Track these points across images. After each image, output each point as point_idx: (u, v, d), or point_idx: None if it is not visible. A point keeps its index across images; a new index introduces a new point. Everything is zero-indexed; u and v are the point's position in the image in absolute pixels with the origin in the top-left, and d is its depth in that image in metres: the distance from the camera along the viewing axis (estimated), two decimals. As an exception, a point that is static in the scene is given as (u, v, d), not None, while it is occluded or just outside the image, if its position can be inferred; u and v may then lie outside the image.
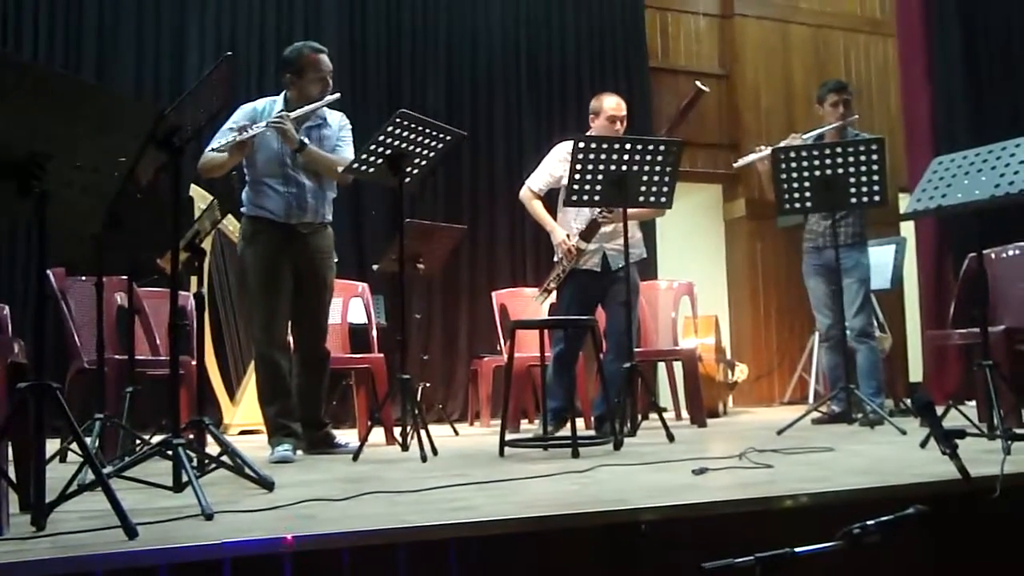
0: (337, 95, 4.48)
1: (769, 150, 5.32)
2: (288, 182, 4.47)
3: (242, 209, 4.58)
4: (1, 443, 2.30)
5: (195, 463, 3.00)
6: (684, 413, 6.84)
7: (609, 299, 5.30)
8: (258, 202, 4.50)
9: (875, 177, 4.93)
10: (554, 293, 5.50)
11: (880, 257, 6.67)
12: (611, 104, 5.42)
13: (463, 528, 2.11)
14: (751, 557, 1.97)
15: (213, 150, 4.35)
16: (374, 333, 5.85)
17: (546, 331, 4.83)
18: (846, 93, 5.88)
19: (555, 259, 5.42)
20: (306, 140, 4.40)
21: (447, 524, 2.13)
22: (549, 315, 6.04)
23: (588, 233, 5.23)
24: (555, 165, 5.44)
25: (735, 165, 6.07)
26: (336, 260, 4.74)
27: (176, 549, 1.97)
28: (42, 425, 2.29)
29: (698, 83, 5.16)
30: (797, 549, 2.02)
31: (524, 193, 5.54)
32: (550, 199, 5.55)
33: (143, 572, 1.92)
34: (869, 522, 2.05)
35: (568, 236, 5.28)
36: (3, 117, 2.14)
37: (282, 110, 4.43)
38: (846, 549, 2.04)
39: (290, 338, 4.61)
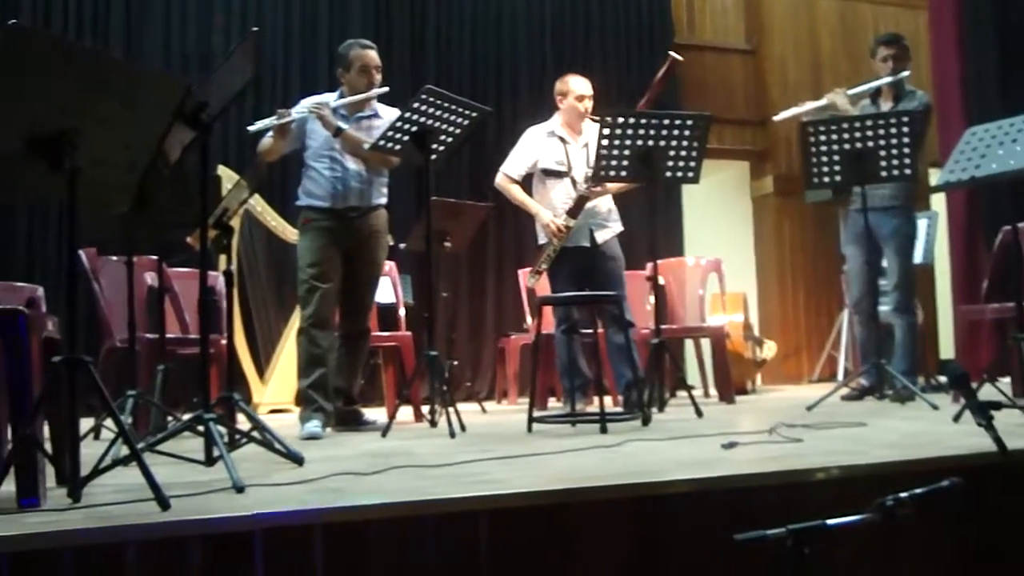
0: (384, 88, 4.60)
1: (811, 105, 5.24)
2: (334, 167, 4.57)
3: (297, 202, 4.69)
4: (37, 417, 2.33)
5: (225, 438, 3.03)
6: (712, 390, 6.82)
7: (600, 273, 5.32)
8: (308, 189, 4.63)
9: (906, 150, 4.85)
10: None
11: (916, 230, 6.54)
12: (577, 84, 5.45)
13: (491, 500, 2.11)
14: (783, 529, 1.96)
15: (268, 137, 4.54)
16: (402, 312, 5.87)
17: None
18: (895, 47, 5.64)
19: (540, 242, 5.43)
20: (343, 125, 4.50)
21: (475, 496, 2.14)
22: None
23: (575, 210, 5.26)
24: (532, 149, 5.48)
25: (775, 119, 5.89)
26: (391, 243, 4.84)
27: (208, 520, 1.98)
28: (75, 397, 2.32)
29: (672, 53, 5.18)
30: (829, 521, 2.01)
31: (500, 180, 5.55)
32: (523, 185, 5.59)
33: (176, 542, 1.94)
34: (903, 494, 2.03)
35: (554, 216, 5.29)
36: (33, 93, 2.15)
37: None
38: (879, 521, 2.02)
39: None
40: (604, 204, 5.42)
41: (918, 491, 2.05)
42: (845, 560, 2.30)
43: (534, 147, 5.47)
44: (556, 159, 5.39)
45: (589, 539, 2.17)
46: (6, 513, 2.12)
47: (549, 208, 5.37)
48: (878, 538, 2.34)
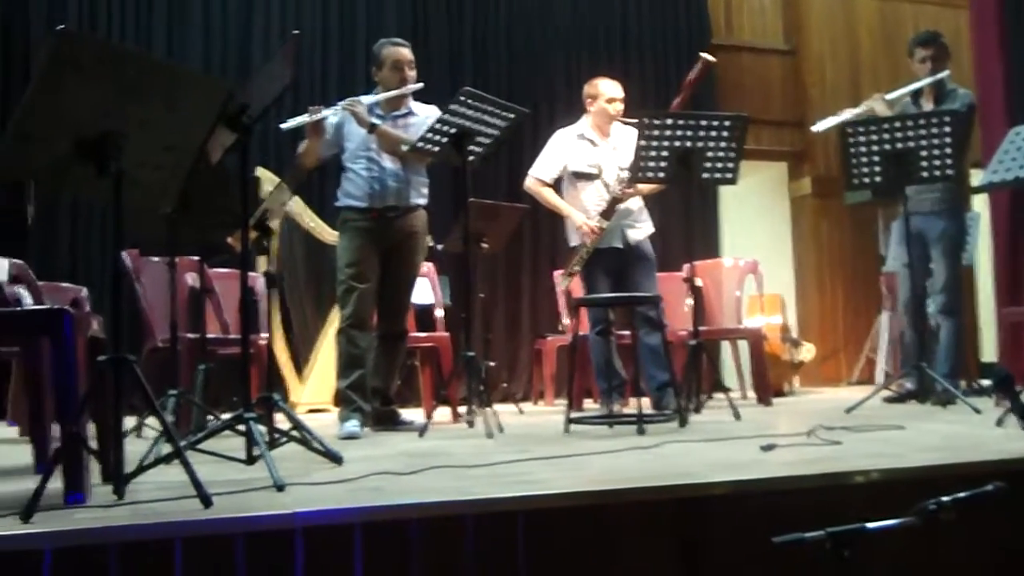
0: (419, 85, 4.61)
1: (850, 113, 5.19)
2: (371, 167, 4.59)
3: (336, 203, 4.71)
4: (83, 415, 2.37)
5: (266, 438, 3.06)
6: (749, 392, 6.78)
7: (633, 274, 5.33)
8: (346, 190, 4.65)
9: (948, 151, 4.79)
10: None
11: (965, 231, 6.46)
12: (607, 87, 5.44)
13: (531, 501, 2.12)
14: (822, 532, 1.95)
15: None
16: (439, 313, 5.89)
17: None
18: (932, 47, 5.56)
19: (572, 244, 5.43)
20: (377, 121, 4.51)
21: (516, 496, 2.15)
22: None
23: (609, 211, 5.26)
24: (561, 152, 5.48)
25: (814, 129, 5.84)
26: (431, 244, 4.86)
27: (251, 518, 2.01)
28: (120, 396, 2.36)
29: (704, 54, 5.14)
30: (869, 524, 2.00)
31: (530, 183, 5.55)
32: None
33: (220, 539, 1.96)
34: (944, 498, 2.01)
35: (588, 217, 5.29)
36: (80, 97, 2.19)
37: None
38: (920, 525, 2.01)
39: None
40: (634, 204, 5.42)
41: (960, 495, 2.03)
42: (885, 565, 2.28)
43: (563, 150, 5.47)
44: (586, 161, 5.39)
45: (629, 540, 2.17)
46: (54, 509, 2.15)
47: (581, 210, 5.37)
48: (919, 543, 2.31)
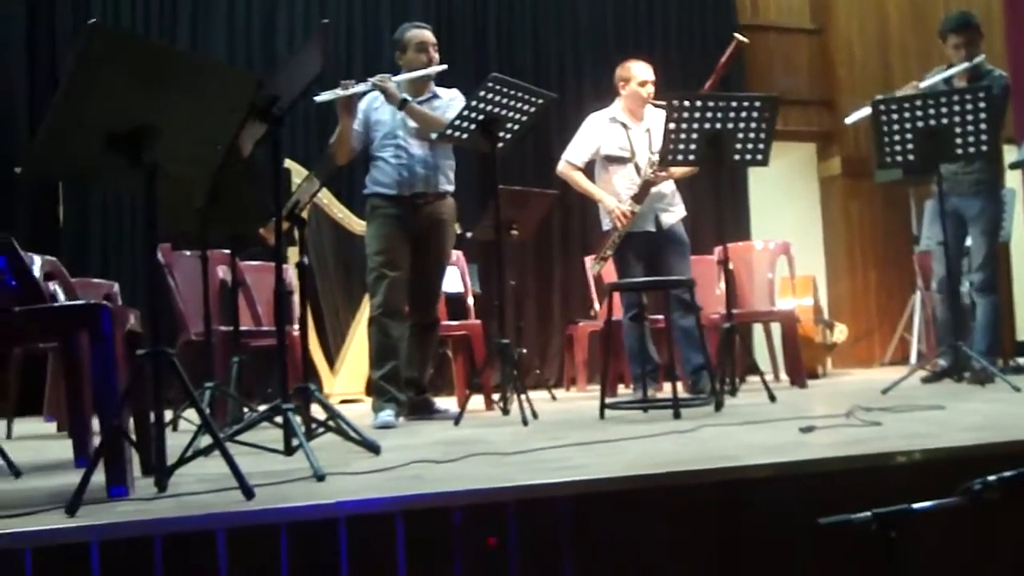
0: (443, 66, 4.59)
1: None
2: (400, 153, 4.58)
3: (364, 191, 4.71)
4: (124, 408, 2.38)
5: (303, 428, 3.07)
6: (782, 375, 6.74)
7: (666, 257, 5.32)
8: (374, 178, 4.64)
9: (982, 127, 4.72)
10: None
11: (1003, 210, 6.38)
12: (639, 70, 5.44)
13: (575, 486, 2.11)
14: (868, 513, 1.93)
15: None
16: (470, 300, 5.89)
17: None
18: (965, 33, 5.42)
19: (605, 228, 5.41)
20: (408, 97, 4.48)
21: (560, 482, 2.14)
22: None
23: (641, 195, 5.25)
24: (594, 135, 5.46)
25: (847, 121, 5.79)
26: (459, 232, 4.82)
27: (295, 508, 2.01)
28: (161, 390, 2.37)
29: (737, 35, 5.09)
30: (915, 505, 1.97)
31: (563, 168, 5.54)
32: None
33: (263, 530, 1.97)
34: (990, 478, 1.98)
35: (619, 201, 5.26)
36: (112, 91, 2.19)
37: (398, 84, 4.54)
38: (966, 505, 1.98)
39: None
40: (667, 187, 5.41)
41: (1006, 474, 2.00)
42: (931, 544, 2.26)
43: (596, 134, 5.45)
44: (619, 145, 5.37)
45: (672, 524, 2.16)
46: (98, 502, 2.17)
47: (613, 194, 5.35)
48: (965, 522, 2.29)
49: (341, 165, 4.87)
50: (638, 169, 5.31)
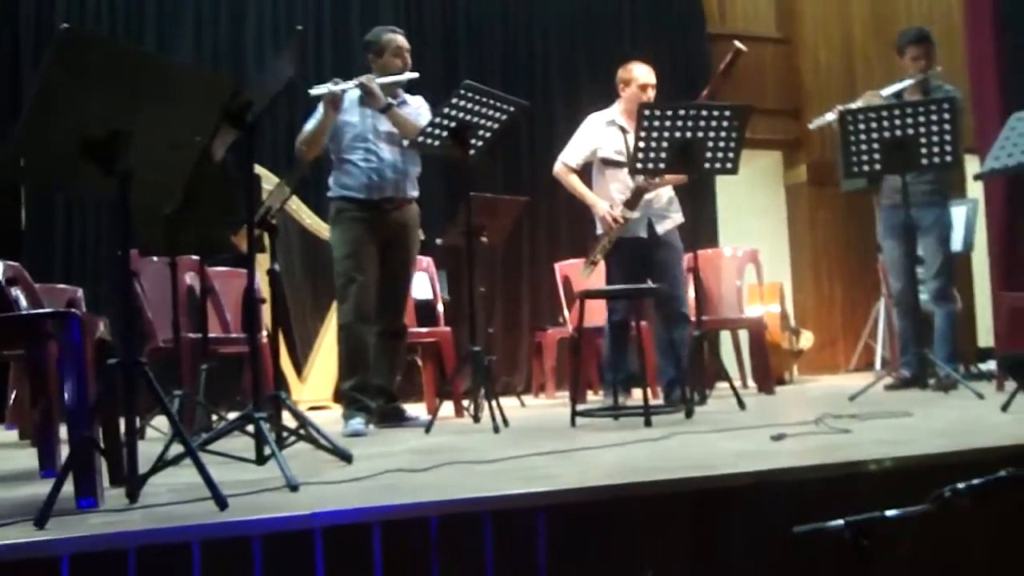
0: (415, 74, 4.60)
1: (846, 108, 5.21)
2: (369, 157, 4.54)
3: (328, 193, 4.66)
4: (95, 419, 2.35)
5: (273, 437, 3.04)
6: (750, 381, 6.79)
7: (658, 265, 5.26)
8: (341, 182, 4.59)
9: (947, 137, 4.79)
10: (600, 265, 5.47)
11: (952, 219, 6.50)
12: (641, 73, 5.36)
13: (552, 496, 2.11)
14: (841, 521, 1.95)
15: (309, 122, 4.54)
16: (440, 307, 5.87)
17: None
18: (926, 44, 5.62)
19: (597, 232, 5.38)
20: (392, 101, 4.48)
21: (536, 492, 2.14)
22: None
23: (633, 201, 5.19)
24: (591, 137, 5.40)
25: (810, 126, 5.86)
26: (423, 238, 4.82)
27: (269, 519, 1.99)
28: (133, 401, 2.34)
29: (737, 43, 5.10)
30: (887, 513, 1.99)
31: (559, 169, 5.47)
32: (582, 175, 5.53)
33: (238, 541, 1.95)
34: (960, 485, 2.01)
35: (611, 207, 5.24)
36: (86, 97, 2.16)
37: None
38: (936, 512, 2.00)
39: None
40: (665, 195, 5.31)
41: (975, 482, 2.02)
42: (903, 551, 2.28)
43: (593, 135, 5.39)
44: (615, 148, 5.28)
45: (649, 533, 2.16)
46: (67, 514, 2.13)
47: (607, 198, 5.27)
48: (936, 529, 2.31)
49: (308, 162, 4.83)
50: (632, 174, 5.27)
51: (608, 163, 5.32)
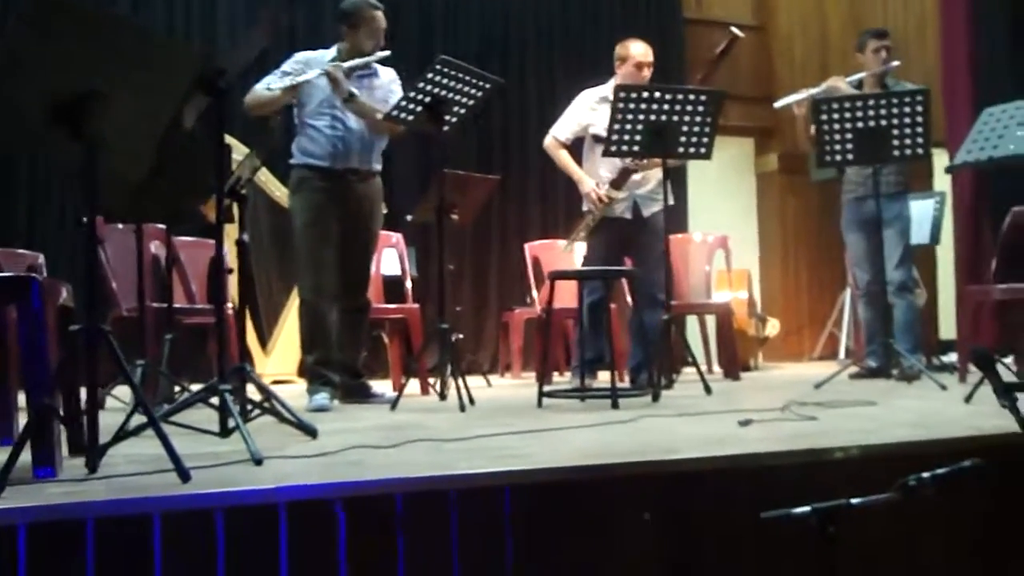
0: (387, 52, 4.50)
1: (811, 91, 5.23)
2: (336, 124, 4.46)
3: (291, 160, 4.57)
4: (56, 387, 2.30)
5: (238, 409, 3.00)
6: (715, 367, 6.82)
7: (640, 247, 5.21)
8: (305, 148, 4.50)
9: (919, 129, 4.82)
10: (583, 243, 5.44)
11: (919, 211, 6.56)
12: (639, 50, 5.29)
13: (519, 475, 2.10)
14: (807, 508, 1.96)
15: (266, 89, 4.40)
16: (408, 284, 5.84)
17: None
18: (887, 39, 5.74)
19: (584, 209, 5.34)
20: (356, 91, 4.39)
21: (505, 471, 2.12)
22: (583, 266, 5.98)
23: (619, 181, 5.13)
24: (582, 113, 5.34)
25: (776, 105, 5.88)
26: (385, 212, 4.76)
27: (232, 492, 1.96)
28: (96, 368, 2.29)
29: (733, 28, 5.08)
30: (853, 500, 2.00)
31: (549, 142, 5.42)
32: (574, 150, 5.48)
33: (199, 515, 1.92)
34: (924, 474, 2.02)
35: (597, 185, 5.19)
36: (57, 60, 2.11)
37: (334, 58, 4.46)
38: (901, 501, 2.02)
39: None
40: (655, 177, 5.21)
41: (939, 471, 2.04)
42: (868, 537, 2.29)
43: (585, 111, 5.33)
44: (606, 126, 5.25)
45: (617, 514, 2.15)
46: (24, 483, 2.09)
47: (595, 176, 5.22)
48: (900, 517, 2.33)
49: (276, 127, 4.75)
50: None
51: (599, 140, 5.19)
